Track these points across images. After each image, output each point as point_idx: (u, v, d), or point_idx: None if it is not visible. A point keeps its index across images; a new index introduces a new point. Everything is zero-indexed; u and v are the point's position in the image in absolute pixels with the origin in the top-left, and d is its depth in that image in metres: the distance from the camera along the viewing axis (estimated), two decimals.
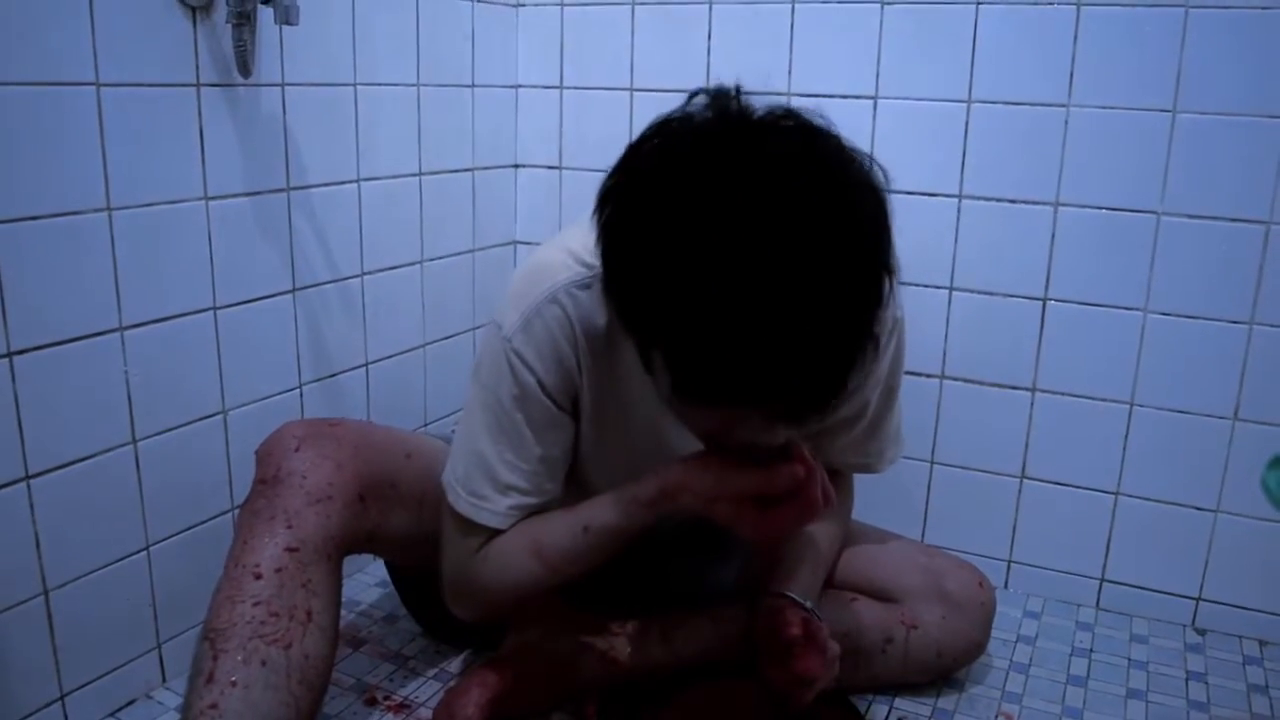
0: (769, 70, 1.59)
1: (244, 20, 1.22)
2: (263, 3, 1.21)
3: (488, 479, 1.09)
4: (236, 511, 1.10)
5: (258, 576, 0.97)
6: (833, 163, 0.82)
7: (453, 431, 1.35)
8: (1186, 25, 1.36)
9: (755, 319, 0.77)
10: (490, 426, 1.08)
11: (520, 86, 1.81)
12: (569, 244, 1.07)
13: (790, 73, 1.59)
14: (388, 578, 1.47)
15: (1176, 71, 1.38)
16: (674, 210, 0.80)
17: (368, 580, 1.58)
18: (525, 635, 1.24)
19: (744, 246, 0.77)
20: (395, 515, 1.14)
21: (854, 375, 0.84)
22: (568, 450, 1.13)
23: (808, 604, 1.16)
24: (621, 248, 0.86)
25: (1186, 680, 1.39)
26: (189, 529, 1.30)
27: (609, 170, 0.87)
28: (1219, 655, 1.45)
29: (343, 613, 1.23)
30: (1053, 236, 1.49)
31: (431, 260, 1.66)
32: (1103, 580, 1.57)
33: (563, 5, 1.74)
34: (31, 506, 1.10)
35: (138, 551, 1.23)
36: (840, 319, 0.80)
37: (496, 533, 1.10)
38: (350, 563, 1.15)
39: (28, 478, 1.09)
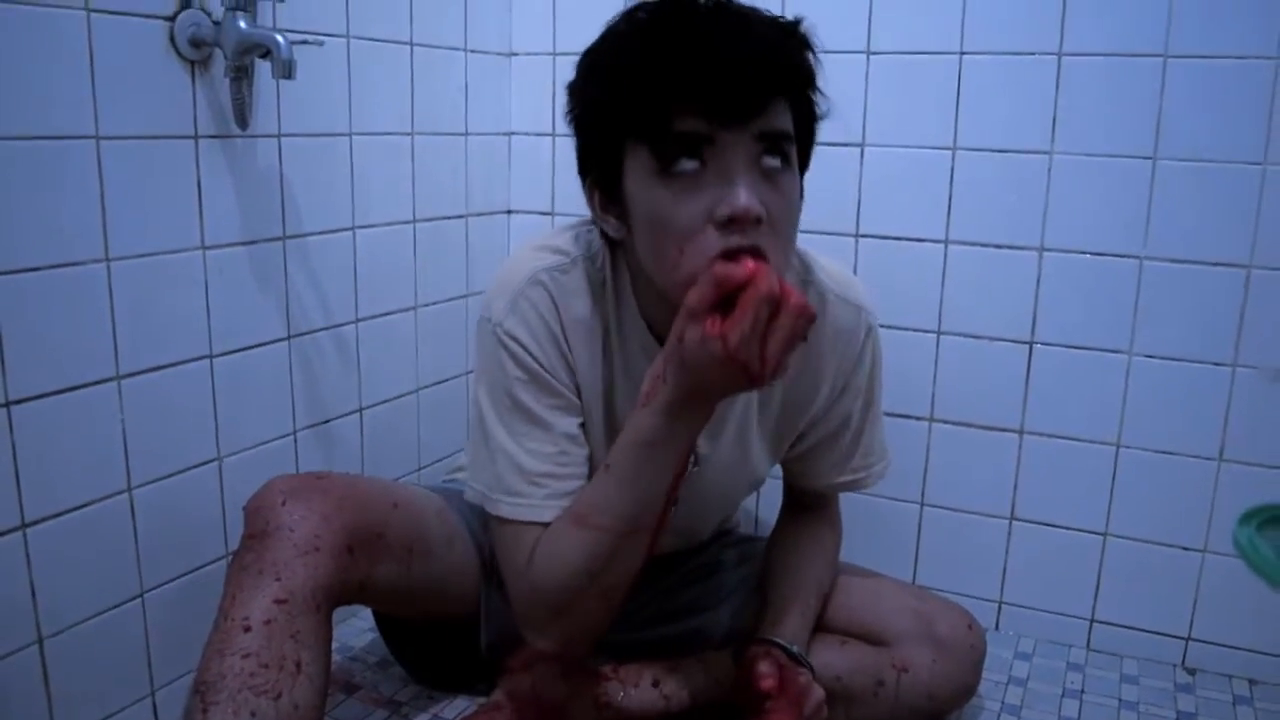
0: None
1: (242, 74, 1.24)
2: (261, 57, 1.23)
3: (519, 474, 1.10)
4: (230, 559, 1.11)
5: (246, 629, 0.97)
6: None
7: (445, 481, 1.37)
8: (1165, 74, 1.39)
9: (704, 20, 0.97)
10: (505, 421, 1.11)
11: (513, 134, 1.84)
12: (541, 242, 1.17)
13: None
14: None
15: (1156, 119, 1.41)
16: (624, 16, 1.02)
17: (361, 625, 1.58)
18: (517, 681, 1.24)
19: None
20: (384, 565, 1.14)
21: (802, 70, 1.01)
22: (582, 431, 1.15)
23: (794, 649, 1.17)
24: (586, 60, 1.05)
25: None
26: (183, 575, 1.30)
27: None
28: (1209, 695, 1.46)
29: (336, 658, 1.23)
30: (1038, 281, 1.51)
31: (425, 306, 1.68)
32: (1093, 621, 1.57)
33: (554, 55, 1.77)
34: (27, 555, 1.11)
35: (132, 599, 1.24)
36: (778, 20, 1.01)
37: (544, 530, 1.10)
38: (344, 609, 1.16)
39: (24, 526, 1.10)
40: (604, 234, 1.13)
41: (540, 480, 1.10)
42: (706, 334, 0.92)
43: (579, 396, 1.15)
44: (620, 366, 1.16)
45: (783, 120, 0.99)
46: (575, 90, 1.07)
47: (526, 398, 1.10)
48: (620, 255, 1.15)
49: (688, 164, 0.96)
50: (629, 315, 1.15)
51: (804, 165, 1.06)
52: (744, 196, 0.95)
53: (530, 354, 1.10)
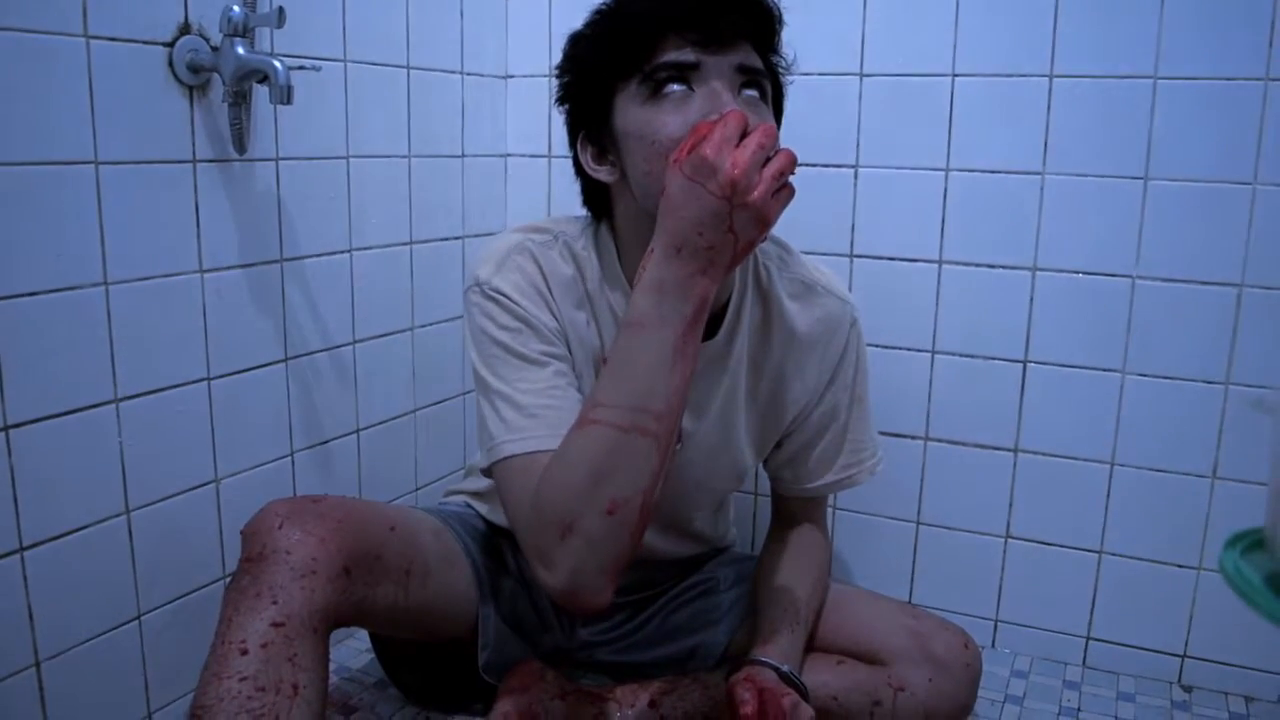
0: None
1: (240, 99, 1.25)
2: (259, 82, 1.24)
3: (518, 411, 1.10)
4: (227, 581, 1.11)
5: (244, 652, 0.97)
6: None
7: (441, 502, 1.37)
8: (1155, 96, 1.40)
9: None
10: (498, 370, 1.12)
11: (509, 155, 1.85)
12: (523, 225, 1.22)
13: None
14: None
15: (1147, 140, 1.42)
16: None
17: (359, 646, 1.58)
18: (514, 701, 1.25)
19: None
20: (381, 588, 1.14)
21: (774, 10, 1.09)
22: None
23: (784, 669, 1.17)
24: (572, 39, 1.15)
25: None
26: (181, 598, 1.31)
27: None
28: (1206, 712, 1.46)
29: (334, 680, 1.23)
30: (1031, 300, 1.52)
31: (422, 327, 1.69)
32: (1089, 638, 1.58)
33: (550, 76, 1.77)
34: (25, 578, 1.11)
35: (129, 621, 1.24)
36: None
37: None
38: (341, 630, 1.16)
39: (21, 549, 1.11)
40: (591, 207, 1.20)
41: (540, 411, 1.09)
42: (681, 157, 0.95)
43: (570, 354, 1.17)
44: (609, 333, 1.18)
45: (759, 63, 1.08)
46: (568, 49, 1.16)
47: (516, 344, 1.12)
48: (603, 232, 1.19)
49: (676, 87, 1.04)
50: (614, 285, 1.18)
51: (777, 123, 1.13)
52: (731, 103, 1.02)
53: (518, 304, 1.13)
